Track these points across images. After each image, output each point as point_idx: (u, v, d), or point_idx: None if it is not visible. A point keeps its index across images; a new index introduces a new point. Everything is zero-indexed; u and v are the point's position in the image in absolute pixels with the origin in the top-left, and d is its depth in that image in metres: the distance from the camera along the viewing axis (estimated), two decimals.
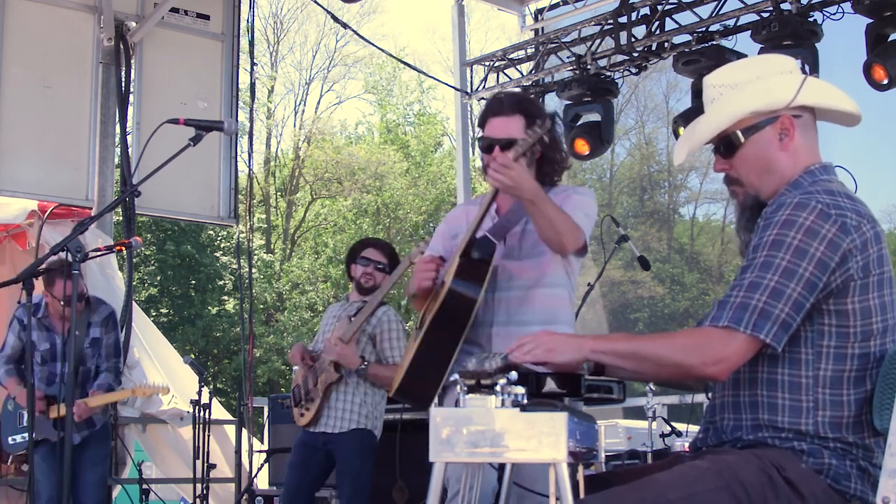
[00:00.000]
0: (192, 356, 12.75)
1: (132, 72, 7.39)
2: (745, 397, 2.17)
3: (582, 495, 2.16)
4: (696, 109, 6.86)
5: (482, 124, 3.30)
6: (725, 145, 2.26)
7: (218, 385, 21.44)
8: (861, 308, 2.09)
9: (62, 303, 5.06)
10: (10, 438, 5.34)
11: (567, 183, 3.46)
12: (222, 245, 22.49)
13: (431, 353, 3.07)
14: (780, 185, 2.21)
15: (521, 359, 2.15)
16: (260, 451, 7.40)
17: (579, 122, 7.88)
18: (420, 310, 3.29)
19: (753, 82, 2.24)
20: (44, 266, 4.36)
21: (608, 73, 7.85)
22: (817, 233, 2.05)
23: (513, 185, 2.96)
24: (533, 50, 8.54)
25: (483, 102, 9.13)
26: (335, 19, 7.98)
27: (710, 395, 2.40)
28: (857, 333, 2.09)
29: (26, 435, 5.21)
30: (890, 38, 6.31)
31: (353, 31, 9.09)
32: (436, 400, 3.13)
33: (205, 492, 6.14)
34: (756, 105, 2.21)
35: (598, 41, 7.81)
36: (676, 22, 7.46)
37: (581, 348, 2.15)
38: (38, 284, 5.06)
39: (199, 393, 6.14)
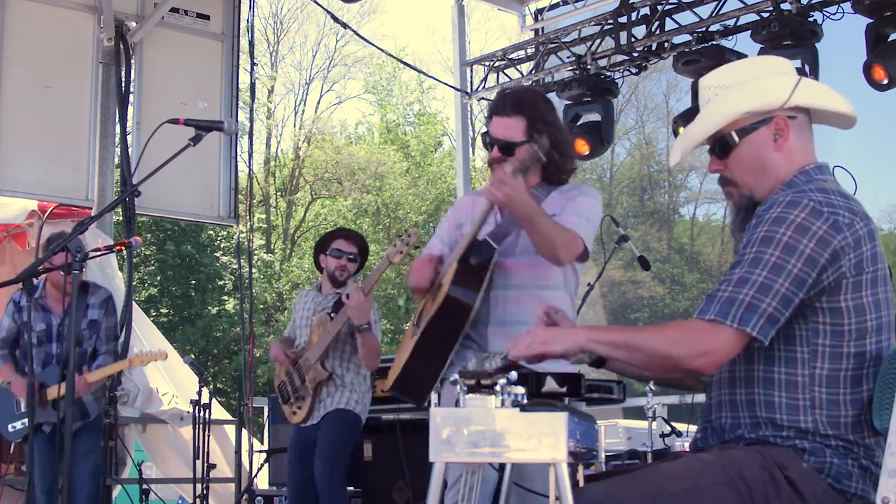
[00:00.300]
0: (192, 356, 12.74)
1: (132, 72, 7.39)
2: (742, 395, 2.18)
3: None
4: (696, 109, 6.85)
5: (488, 120, 3.30)
6: (720, 146, 2.27)
7: (218, 385, 21.44)
8: (855, 306, 2.09)
9: (61, 273, 5.04)
10: (10, 426, 5.33)
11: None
12: (222, 245, 22.50)
13: (427, 353, 3.12)
14: (775, 186, 2.22)
15: (519, 354, 2.16)
16: (260, 451, 7.40)
17: (579, 122, 7.88)
18: (421, 301, 3.31)
19: (748, 83, 2.25)
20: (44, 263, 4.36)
21: (608, 73, 7.85)
22: (808, 230, 2.05)
23: (507, 201, 2.97)
24: (533, 50, 8.54)
25: (483, 102, 9.15)
26: (335, 19, 7.98)
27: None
28: (851, 331, 2.10)
29: (26, 421, 5.21)
30: (890, 38, 6.31)
31: (353, 31, 9.09)
32: (435, 399, 3.16)
33: (205, 492, 6.14)
34: (750, 106, 2.22)
35: (598, 41, 7.82)
36: (676, 22, 7.46)
37: (576, 338, 2.16)
38: None
39: (199, 393, 6.15)
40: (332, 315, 4.85)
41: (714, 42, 7.18)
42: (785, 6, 6.65)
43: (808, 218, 2.06)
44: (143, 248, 18.98)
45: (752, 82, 2.25)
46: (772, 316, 2.03)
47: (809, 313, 2.10)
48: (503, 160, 3.17)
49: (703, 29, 7.29)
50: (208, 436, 6.23)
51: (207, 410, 6.20)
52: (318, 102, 28.01)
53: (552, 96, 8.32)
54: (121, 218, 7.92)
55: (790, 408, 2.11)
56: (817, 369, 2.10)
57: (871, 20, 6.37)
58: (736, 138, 2.24)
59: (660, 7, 7.40)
